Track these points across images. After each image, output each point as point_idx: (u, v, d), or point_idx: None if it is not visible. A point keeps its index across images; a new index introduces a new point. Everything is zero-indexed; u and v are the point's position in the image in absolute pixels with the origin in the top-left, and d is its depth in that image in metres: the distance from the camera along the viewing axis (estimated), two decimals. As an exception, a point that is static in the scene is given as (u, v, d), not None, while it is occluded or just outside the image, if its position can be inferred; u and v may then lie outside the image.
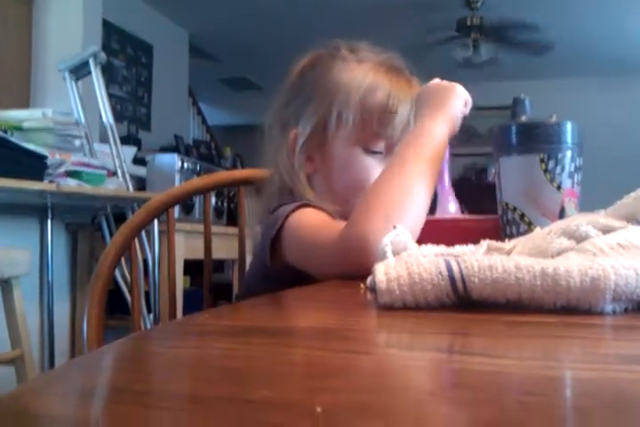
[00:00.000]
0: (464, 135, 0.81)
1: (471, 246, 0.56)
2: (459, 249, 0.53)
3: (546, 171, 0.65)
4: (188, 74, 5.40)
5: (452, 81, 0.80)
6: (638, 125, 5.98)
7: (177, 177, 2.94)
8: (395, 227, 0.53)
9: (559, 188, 0.66)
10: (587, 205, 0.69)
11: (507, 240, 0.55)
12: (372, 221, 0.65)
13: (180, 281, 2.76)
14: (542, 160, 0.65)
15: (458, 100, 0.78)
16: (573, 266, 0.39)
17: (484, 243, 0.52)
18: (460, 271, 0.39)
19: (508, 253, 0.52)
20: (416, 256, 0.44)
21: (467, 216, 0.76)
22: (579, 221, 0.52)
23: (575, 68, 5.92)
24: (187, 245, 2.65)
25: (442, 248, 0.55)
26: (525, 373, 0.25)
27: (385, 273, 0.40)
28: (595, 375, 0.25)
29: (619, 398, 0.22)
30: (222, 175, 1.17)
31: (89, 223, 2.85)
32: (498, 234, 0.69)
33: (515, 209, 0.67)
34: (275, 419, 0.18)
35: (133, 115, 4.67)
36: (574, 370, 0.26)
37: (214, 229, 1.37)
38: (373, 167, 0.85)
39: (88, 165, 2.52)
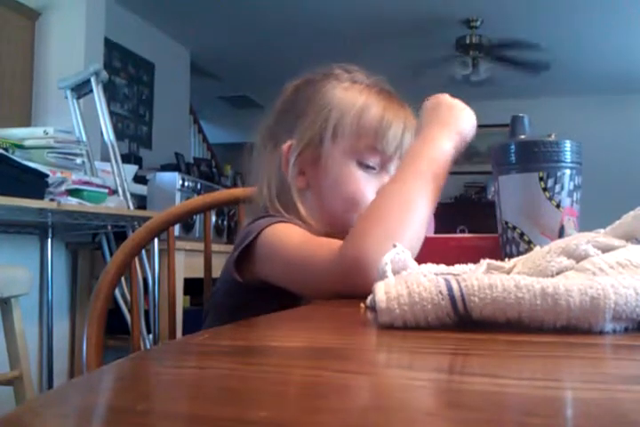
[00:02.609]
0: (464, 153, 0.82)
1: (471, 265, 0.56)
2: (458, 268, 0.53)
3: (545, 189, 0.66)
4: (190, 92, 5.43)
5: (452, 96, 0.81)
6: (636, 144, 6.00)
7: (177, 195, 2.94)
8: (395, 245, 0.53)
9: (558, 206, 0.66)
10: (586, 223, 0.69)
11: (507, 259, 0.56)
12: (371, 238, 0.65)
13: (180, 300, 2.75)
14: (541, 178, 0.66)
15: (467, 120, 0.78)
16: (573, 285, 0.39)
17: (484, 262, 0.52)
18: (460, 290, 0.39)
19: (508, 272, 0.52)
20: (416, 275, 0.44)
21: (467, 235, 0.76)
22: (578, 240, 0.52)
23: (573, 86, 5.96)
24: (187, 264, 2.65)
25: (441, 267, 0.56)
26: (526, 393, 0.25)
27: (385, 292, 0.40)
28: (595, 395, 0.25)
29: (619, 418, 0.21)
30: (222, 194, 1.17)
31: (89, 242, 2.85)
32: (498, 253, 0.69)
33: (514, 228, 0.67)
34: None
35: (134, 133, 4.69)
36: (575, 390, 0.26)
37: (214, 247, 1.37)
38: (367, 182, 0.86)
39: (89, 184, 2.52)
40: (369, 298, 0.53)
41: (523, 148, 0.67)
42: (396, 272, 0.50)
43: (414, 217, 0.68)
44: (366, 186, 0.85)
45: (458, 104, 0.80)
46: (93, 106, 2.84)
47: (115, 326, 2.44)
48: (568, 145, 0.66)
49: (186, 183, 3.04)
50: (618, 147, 5.87)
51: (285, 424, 0.19)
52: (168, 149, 4.94)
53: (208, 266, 1.17)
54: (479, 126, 0.79)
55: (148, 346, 2.40)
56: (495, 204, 0.71)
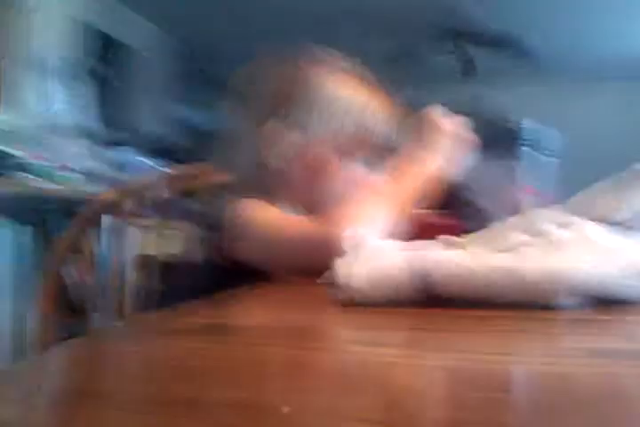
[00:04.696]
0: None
1: (428, 242, 0.57)
2: (417, 245, 0.53)
3: (507, 170, 0.67)
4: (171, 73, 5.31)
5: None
6: (612, 130, 6.13)
7: (134, 172, 2.88)
8: (360, 227, 0.53)
9: (519, 185, 0.67)
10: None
11: (463, 235, 0.56)
12: (346, 221, 0.67)
13: (132, 278, 2.71)
14: (504, 159, 0.66)
15: (452, 147, 0.81)
16: (532, 261, 0.39)
17: (441, 238, 0.52)
18: (423, 267, 0.39)
19: (464, 247, 0.53)
20: (377, 252, 0.44)
21: (428, 212, 0.77)
22: (534, 216, 0.53)
23: (553, 74, 6.02)
24: (141, 241, 2.60)
25: (401, 244, 0.56)
26: (486, 367, 0.25)
27: (346, 269, 0.40)
28: (551, 369, 0.25)
29: (575, 389, 0.22)
30: (184, 171, 1.15)
31: (39, 220, 2.77)
32: (458, 229, 0.70)
33: (475, 205, 0.68)
34: (235, 420, 0.17)
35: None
36: (533, 364, 0.27)
37: (169, 224, 1.36)
38: (347, 173, 0.89)
39: (40, 158, 2.45)
40: (326, 274, 0.53)
41: (489, 130, 0.68)
42: (355, 249, 0.50)
43: (382, 213, 0.72)
44: (348, 175, 0.88)
45: (444, 127, 0.83)
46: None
47: (62, 304, 2.39)
48: (531, 127, 0.67)
49: (143, 160, 2.98)
50: (594, 133, 5.97)
51: (269, 405, 0.19)
52: (123, 125, 4.82)
53: (164, 244, 1.16)
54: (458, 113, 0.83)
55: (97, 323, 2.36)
56: (457, 182, 0.71)
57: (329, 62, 0.92)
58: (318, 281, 0.51)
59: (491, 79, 5.98)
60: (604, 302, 0.39)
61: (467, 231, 0.69)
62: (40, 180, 2.38)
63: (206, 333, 0.32)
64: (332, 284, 0.49)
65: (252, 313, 0.40)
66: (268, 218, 0.77)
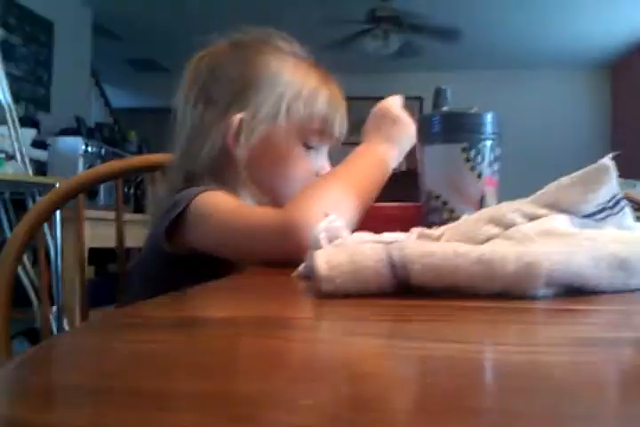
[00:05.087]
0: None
1: (400, 234, 0.57)
2: (390, 236, 0.53)
3: (467, 160, 0.67)
4: (91, 53, 5.17)
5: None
6: (546, 118, 6.28)
7: (80, 161, 2.82)
8: (327, 214, 0.53)
9: (480, 176, 0.68)
10: (503, 194, 0.72)
11: (435, 228, 0.57)
12: (312, 207, 0.66)
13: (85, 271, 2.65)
14: (464, 149, 0.67)
15: (408, 137, 0.83)
16: (509, 252, 0.40)
17: (415, 230, 0.53)
18: (402, 257, 0.39)
19: (437, 240, 0.53)
20: (356, 243, 0.44)
21: (390, 204, 0.77)
22: (505, 209, 0.54)
23: (484, 60, 6.12)
24: (91, 234, 2.55)
25: (374, 236, 0.56)
26: (464, 357, 0.26)
27: (326, 260, 0.40)
28: (528, 357, 0.26)
29: (551, 375, 0.22)
30: (136, 160, 1.13)
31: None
32: (420, 221, 0.71)
33: (438, 197, 0.68)
34: (204, 410, 0.17)
35: (32, 95, 4.43)
36: (511, 353, 0.27)
37: (102, 215, 1.34)
38: (308, 162, 0.90)
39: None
40: (301, 266, 0.53)
41: (447, 119, 0.68)
42: (329, 241, 0.50)
43: (349, 204, 0.72)
44: (308, 166, 0.90)
45: (402, 119, 0.84)
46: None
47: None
48: (489, 117, 0.68)
49: (89, 148, 2.91)
50: (526, 120, 6.09)
51: (275, 395, 0.18)
52: (67, 113, 4.69)
53: (120, 236, 1.13)
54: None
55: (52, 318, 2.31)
56: (419, 174, 0.72)
57: (283, 47, 0.92)
58: (293, 275, 0.51)
59: (426, 65, 6.06)
60: (579, 292, 0.40)
61: (431, 224, 0.70)
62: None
63: (185, 326, 0.31)
64: (309, 275, 0.49)
65: (229, 306, 0.39)
66: (228, 206, 0.76)
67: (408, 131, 0.81)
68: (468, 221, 0.55)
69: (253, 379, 0.21)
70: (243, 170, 0.86)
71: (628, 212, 0.52)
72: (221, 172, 0.85)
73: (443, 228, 0.55)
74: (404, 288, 0.40)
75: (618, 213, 0.52)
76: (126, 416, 0.16)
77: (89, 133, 4.67)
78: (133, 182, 3.11)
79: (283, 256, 0.64)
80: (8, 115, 2.65)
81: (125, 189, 3.10)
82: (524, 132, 5.96)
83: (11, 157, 2.56)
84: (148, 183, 1.23)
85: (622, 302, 0.41)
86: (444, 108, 0.74)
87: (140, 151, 5.33)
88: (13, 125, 2.65)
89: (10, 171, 2.45)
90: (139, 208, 2.99)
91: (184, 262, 0.77)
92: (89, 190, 1.17)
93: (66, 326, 2.19)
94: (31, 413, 0.16)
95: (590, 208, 0.51)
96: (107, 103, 6.12)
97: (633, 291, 0.42)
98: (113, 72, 6.51)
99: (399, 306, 0.38)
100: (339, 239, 0.51)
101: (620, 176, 0.51)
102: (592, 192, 0.50)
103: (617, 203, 0.52)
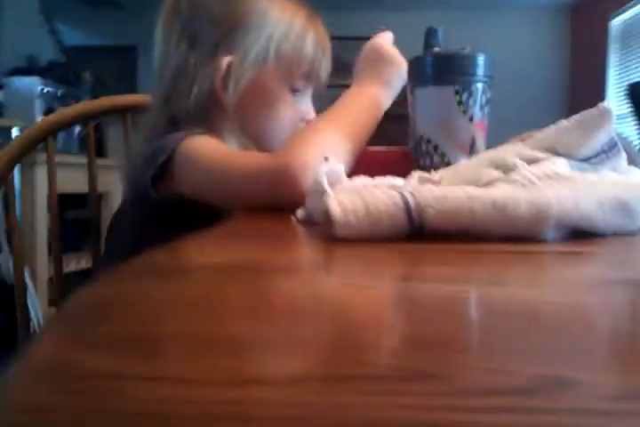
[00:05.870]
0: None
1: (397, 179, 0.57)
2: (390, 181, 0.53)
3: (460, 103, 0.67)
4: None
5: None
6: (505, 60, 6.26)
7: (37, 102, 2.71)
8: (326, 159, 0.52)
9: (471, 120, 0.67)
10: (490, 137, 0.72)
11: (432, 171, 0.57)
12: (306, 150, 0.65)
13: (44, 218, 2.60)
14: (457, 92, 0.66)
15: (400, 77, 0.81)
16: (521, 196, 0.40)
17: (415, 174, 0.53)
18: (416, 202, 0.39)
19: (437, 184, 0.53)
20: (367, 187, 0.44)
21: (378, 148, 0.77)
22: (505, 152, 0.54)
23: (447, 1, 6.02)
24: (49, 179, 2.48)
25: (376, 180, 0.55)
26: (475, 297, 0.27)
27: (339, 204, 0.40)
28: (530, 296, 0.27)
29: (549, 314, 0.23)
30: (109, 101, 1.09)
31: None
32: (407, 165, 0.70)
33: (429, 141, 0.68)
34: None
35: (-22, 32, 4.19)
36: (514, 293, 0.28)
37: (79, 160, 1.30)
38: (295, 105, 0.88)
39: None
40: (301, 210, 0.53)
41: (440, 61, 0.67)
42: (330, 185, 0.50)
43: (343, 147, 0.70)
44: (295, 110, 0.88)
45: (394, 59, 0.82)
46: None
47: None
48: (482, 59, 0.67)
49: (46, 89, 2.80)
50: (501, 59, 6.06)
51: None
52: (16, 52, 4.48)
53: (93, 182, 1.11)
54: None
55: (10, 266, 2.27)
56: (409, 117, 0.71)
57: None
58: (299, 218, 0.51)
59: (387, 5, 5.95)
60: (584, 235, 0.41)
61: (422, 168, 0.70)
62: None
63: (216, 272, 0.31)
64: (311, 219, 0.49)
65: (244, 251, 0.39)
66: (217, 150, 0.74)
67: (400, 70, 0.79)
68: (466, 164, 0.55)
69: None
70: (230, 114, 0.83)
71: (623, 154, 0.53)
72: (207, 116, 0.82)
73: (441, 171, 0.55)
74: (417, 232, 0.40)
75: (614, 156, 0.53)
76: (224, 365, 0.16)
77: (41, 73, 4.48)
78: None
79: (277, 201, 0.63)
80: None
81: (82, 133, 3.01)
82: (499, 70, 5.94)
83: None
84: (110, 125, 1.19)
85: (625, 243, 0.42)
86: (436, 49, 0.73)
87: (94, 91, 5.14)
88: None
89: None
90: (100, 152, 2.92)
91: (170, 209, 0.76)
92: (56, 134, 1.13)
93: (27, 276, 2.15)
94: (130, 364, 0.16)
95: (588, 152, 0.52)
96: (58, 41, 5.86)
97: (634, 234, 0.43)
98: (65, 9, 6.20)
99: (412, 251, 0.39)
100: (347, 182, 0.51)
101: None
102: (591, 136, 0.51)
103: (614, 146, 0.52)
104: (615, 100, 4.58)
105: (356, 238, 0.40)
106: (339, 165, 0.52)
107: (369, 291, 0.28)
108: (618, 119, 4.07)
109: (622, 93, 4.53)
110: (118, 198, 1.13)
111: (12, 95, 2.71)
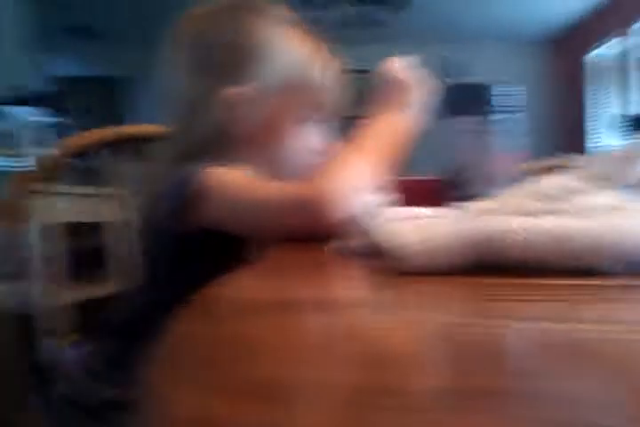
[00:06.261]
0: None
1: (441, 209, 0.56)
2: (436, 212, 0.52)
3: (494, 133, 0.67)
4: (29, 21, 4.91)
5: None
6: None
7: (26, 132, 2.69)
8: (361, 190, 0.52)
9: (505, 150, 0.67)
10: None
11: (471, 202, 0.56)
12: (337, 180, 0.64)
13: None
14: (491, 123, 0.67)
15: (419, 101, 0.81)
16: (585, 227, 0.40)
17: (470, 205, 0.52)
18: (481, 235, 0.39)
19: (493, 215, 0.53)
20: (427, 220, 0.43)
21: (410, 178, 0.77)
22: (542, 183, 0.54)
23: (431, 34, 6.12)
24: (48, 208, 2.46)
25: (410, 211, 0.55)
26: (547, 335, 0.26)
27: (404, 237, 0.39)
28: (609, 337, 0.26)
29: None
30: (124, 131, 1.08)
31: None
32: (439, 194, 0.70)
33: (466, 170, 0.68)
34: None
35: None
36: (586, 331, 0.27)
37: (77, 190, 1.30)
38: (304, 135, 0.87)
39: None
40: (339, 242, 0.52)
41: (475, 91, 0.68)
42: (374, 218, 0.49)
43: (370, 174, 0.70)
44: (306, 139, 0.87)
45: (409, 83, 0.82)
46: None
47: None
48: (517, 91, 0.68)
49: (35, 118, 2.78)
50: None
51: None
52: (2, 82, 4.46)
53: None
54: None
55: None
56: (441, 146, 0.71)
57: (274, 13, 0.87)
58: (339, 251, 0.50)
59: (370, 38, 6.05)
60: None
61: (460, 198, 0.69)
62: None
63: (258, 311, 0.30)
64: (365, 253, 0.48)
65: (299, 286, 0.38)
66: (241, 181, 0.73)
67: (418, 93, 0.80)
68: (503, 196, 0.55)
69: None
70: (241, 146, 0.82)
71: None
72: (218, 147, 0.81)
73: (478, 203, 0.55)
74: (481, 266, 0.39)
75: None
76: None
77: (28, 103, 4.46)
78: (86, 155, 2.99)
79: (306, 231, 0.62)
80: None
81: (78, 162, 2.98)
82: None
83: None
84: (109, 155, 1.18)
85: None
86: (451, 79, 0.73)
87: (79, 121, 5.12)
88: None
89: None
90: (90, 181, 2.89)
91: (193, 241, 0.74)
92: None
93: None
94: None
95: (632, 180, 0.52)
96: (45, 72, 5.86)
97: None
98: (51, 40, 6.22)
99: (476, 285, 0.38)
100: (383, 217, 0.50)
101: (561, 149, 0.52)
102: (635, 164, 0.51)
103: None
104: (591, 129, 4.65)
105: (416, 272, 0.39)
106: (376, 196, 0.51)
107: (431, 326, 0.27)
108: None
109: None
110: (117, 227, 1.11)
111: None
